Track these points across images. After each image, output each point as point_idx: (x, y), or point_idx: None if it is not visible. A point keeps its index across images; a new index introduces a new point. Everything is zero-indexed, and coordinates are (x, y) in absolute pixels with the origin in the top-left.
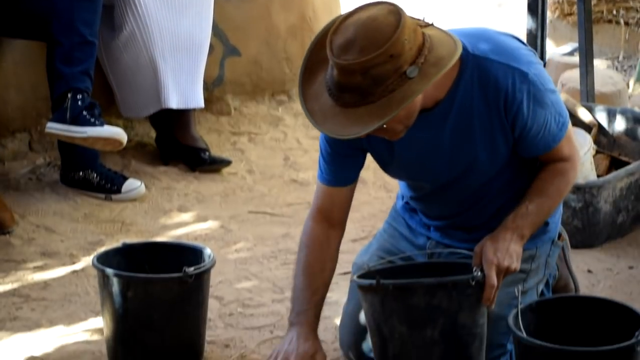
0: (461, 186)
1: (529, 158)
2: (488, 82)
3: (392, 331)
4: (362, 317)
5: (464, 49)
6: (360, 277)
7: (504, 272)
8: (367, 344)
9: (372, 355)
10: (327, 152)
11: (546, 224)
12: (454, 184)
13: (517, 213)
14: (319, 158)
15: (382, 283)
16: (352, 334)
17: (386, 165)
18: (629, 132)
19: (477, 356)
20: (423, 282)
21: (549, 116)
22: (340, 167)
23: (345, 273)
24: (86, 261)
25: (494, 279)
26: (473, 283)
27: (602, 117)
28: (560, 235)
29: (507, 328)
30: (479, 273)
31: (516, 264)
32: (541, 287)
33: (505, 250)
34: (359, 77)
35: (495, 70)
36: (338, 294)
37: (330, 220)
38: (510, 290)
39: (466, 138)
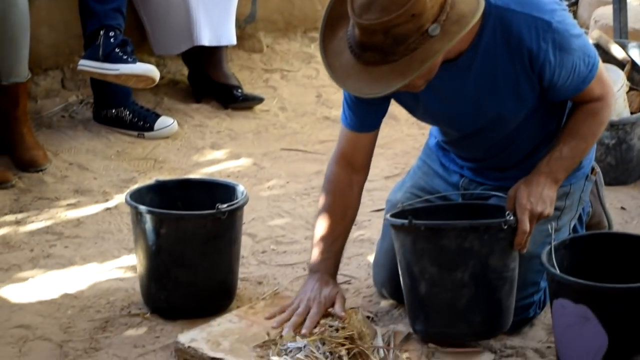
0: (489, 133)
1: (558, 102)
2: (511, 35)
3: (423, 272)
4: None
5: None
6: (393, 215)
7: (536, 218)
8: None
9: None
10: (351, 99)
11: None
12: (482, 131)
13: (551, 157)
14: (343, 103)
15: (414, 223)
16: (386, 271)
17: (413, 112)
18: None
19: (507, 300)
20: (455, 224)
21: (577, 60)
22: (364, 113)
23: (378, 210)
24: (119, 198)
25: (526, 224)
26: (505, 227)
27: (635, 54)
28: (593, 170)
29: (541, 266)
30: (512, 217)
31: (549, 209)
32: (574, 223)
33: (538, 195)
34: (381, 37)
35: (517, 22)
36: (371, 231)
37: (353, 165)
38: (544, 228)
39: (491, 88)
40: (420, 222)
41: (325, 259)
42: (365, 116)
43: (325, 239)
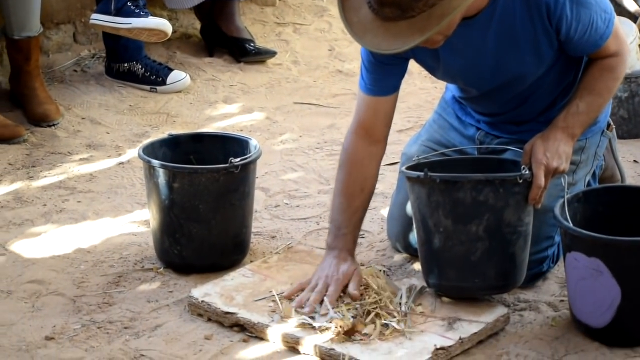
0: (508, 90)
1: (575, 56)
2: None
3: (437, 225)
4: (410, 208)
5: None
6: (409, 168)
7: (552, 173)
8: (415, 236)
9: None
10: (369, 61)
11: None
12: (501, 88)
13: (568, 112)
14: (361, 67)
15: (430, 176)
16: (400, 225)
17: (433, 72)
18: None
19: (521, 255)
20: (470, 178)
21: (594, 15)
22: (384, 75)
23: (392, 164)
24: (132, 153)
25: (542, 179)
26: (521, 181)
27: None
28: (609, 126)
29: (555, 220)
30: (527, 172)
31: (565, 165)
32: (588, 178)
33: (555, 151)
34: None
35: None
36: (384, 185)
37: (372, 136)
38: (559, 182)
39: (510, 44)
40: (436, 174)
41: (343, 235)
42: (384, 78)
43: (343, 213)
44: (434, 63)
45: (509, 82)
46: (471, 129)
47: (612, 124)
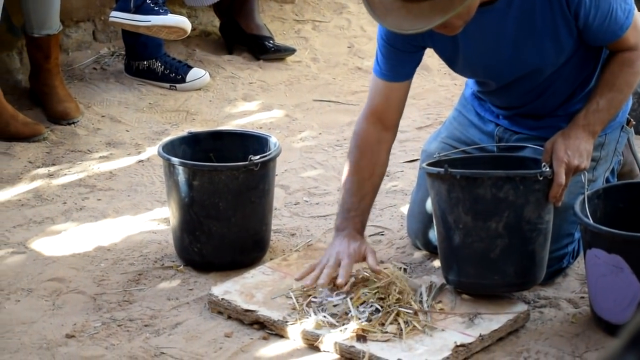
0: (527, 81)
1: (594, 47)
2: None
3: (457, 221)
4: (430, 205)
5: None
6: (429, 165)
7: (573, 171)
8: (434, 233)
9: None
10: (385, 46)
11: None
12: (520, 80)
13: (588, 109)
14: (377, 52)
15: (450, 171)
16: (420, 222)
17: (452, 64)
18: None
19: (541, 252)
20: (491, 174)
21: (614, 4)
22: (398, 61)
23: (411, 161)
24: (151, 151)
25: (562, 177)
26: (541, 178)
27: None
28: (628, 121)
29: (575, 216)
30: (548, 169)
31: (586, 163)
32: (607, 174)
33: (576, 149)
34: None
35: None
36: (403, 182)
37: (383, 122)
38: (579, 179)
39: (529, 32)
40: (456, 170)
41: (352, 217)
42: (399, 64)
43: (352, 196)
44: (452, 53)
45: (528, 74)
46: (490, 125)
47: (631, 120)
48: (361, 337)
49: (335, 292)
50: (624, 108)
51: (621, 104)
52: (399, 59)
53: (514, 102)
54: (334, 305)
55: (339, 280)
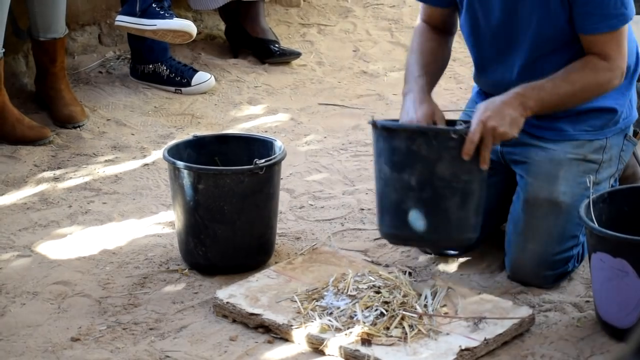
0: (519, 51)
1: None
2: None
3: (380, 170)
4: None
5: None
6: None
7: (491, 132)
8: None
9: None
10: None
11: (614, 111)
12: (511, 47)
13: (532, 84)
14: None
15: (374, 121)
16: None
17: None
18: None
19: (457, 212)
20: (406, 126)
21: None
22: None
23: None
24: (157, 154)
25: (475, 134)
26: (455, 136)
27: None
28: (636, 134)
29: (580, 220)
30: (463, 127)
31: (508, 129)
32: (613, 181)
33: (498, 111)
34: None
35: None
36: None
37: (437, 27)
38: (583, 180)
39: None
40: (379, 120)
41: (417, 78)
42: None
43: (416, 64)
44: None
45: (521, 40)
46: None
47: (638, 130)
48: (366, 341)
49: (340, 297)
50: (627, 111)
51: (567, 97)
52: None
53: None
54: (339, 309)
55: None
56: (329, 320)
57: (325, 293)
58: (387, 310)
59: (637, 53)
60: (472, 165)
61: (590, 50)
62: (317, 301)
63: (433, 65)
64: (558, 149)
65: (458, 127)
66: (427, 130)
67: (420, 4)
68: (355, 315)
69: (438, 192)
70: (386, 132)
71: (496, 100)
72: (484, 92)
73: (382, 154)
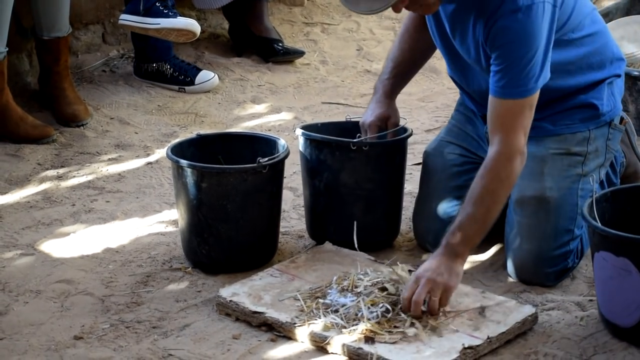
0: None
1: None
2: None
3: (303, 177)
4: (435, 202)
5: None
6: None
7: (432, 286)
8: (443, 230)
9: None
10: None
11: (593, 106)
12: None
13: (453, 228)
14: None
15: (300, 132)
16: (425, 220)
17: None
18: None
19: (363, 217)
20: (313, 137)
21: (518, 65)
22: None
23: (418, 164)
24: (160, 153)
25: (407, 291)
26: (354, 148)
27: None
28: (622, 119)
29: (572, 213)
30: (361, 139)
31: (450, 280)
32: (604, 171)
33: (434, 270)
34: None
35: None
36: (412, 185)
37: (422, 22)
38: (572, 174)
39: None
40: (303, 131)
41: (385, 79)
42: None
43: (390, 61)
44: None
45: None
46: (480, 124)
47: (625, 117)
48: (369, 339)
49: (345, 294)
50: (605, 103)
51: (490, 217)
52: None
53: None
54: (344, 307)
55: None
56: (333, 318)
57: (329, 291)
58: (393, 309)
59: (612, 49)
60: (372, 175)
61: (493, 120)
62: (321, 299)
63: (406, 65)
64: (540, 145)
65: (356, 140)
66: (329, 141)
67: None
68: (360, 311)
69: (343, 198)
70: (304, 141)
71: (429, 263)
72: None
73: (302, 161)
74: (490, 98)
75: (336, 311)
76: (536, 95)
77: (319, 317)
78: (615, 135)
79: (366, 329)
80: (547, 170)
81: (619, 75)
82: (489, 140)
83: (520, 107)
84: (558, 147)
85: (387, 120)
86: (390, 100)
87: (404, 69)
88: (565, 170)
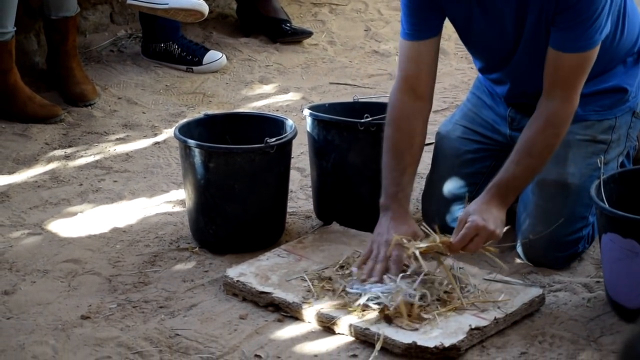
0: (524, 57)
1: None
2: None
3: (310, 157)
4: (446, 186)
5: None
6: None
7: (482, 231)
8: (450, 215)
9: (454, 225)
10: (407, 6)
11: (624, 91)
12: (520, 55)
13: (502, 180)
14: (402, 15)
15: (311, 113)
16: (435, 204)
17: (466, 36)
18: None
19: (372, 197)
20: (321, 117)
21: (587, 20)
22: (422, 19)
23: (427, 144)
24: (168, 133)
25: (463, 238)
26: (361, 128)
27: None
28: None
29: (589, 200)
30: (369, 119)
31: (493, 227)
32: (622, 159)
33: (486, 213)
34: None
35: None
36: (420, 165)
37: (417, 90)
38: (592, 161)
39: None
40: (313, 112)
41: (395, 193)
42: (422, 21)
43: (392, 171)
44: (466, 24)
45: (526, 46)
46: (502, 106)
47: None
48: (388, 318)
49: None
50: (635, 90)
51: (539, 169)
52: (421, 17)
53: (520, 88)
54: (378, 297)
55: (393, 272)
56: (371, 297)
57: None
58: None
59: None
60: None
61: (554, 75)
62: (354, 287)
63: (410, 168)
64: (567, 131)
65: (364, 121)
66: (336, 121)
67: (399, 56)
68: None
69: (351, 179)
70: (312, 123)
71: (479, 203)
72: (485, 68)
73: (310, 142)
74: (552, 52)
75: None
76: (597, 49)
77: (358, 299)
78: (637, 125)
79: (386, 311)
80: (571, 156)
81: None
82: (532, 109)
83: (584, 60)
84: (584, 133)
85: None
86: (408, 215)
87: (412, 170)
88: (588, 158)
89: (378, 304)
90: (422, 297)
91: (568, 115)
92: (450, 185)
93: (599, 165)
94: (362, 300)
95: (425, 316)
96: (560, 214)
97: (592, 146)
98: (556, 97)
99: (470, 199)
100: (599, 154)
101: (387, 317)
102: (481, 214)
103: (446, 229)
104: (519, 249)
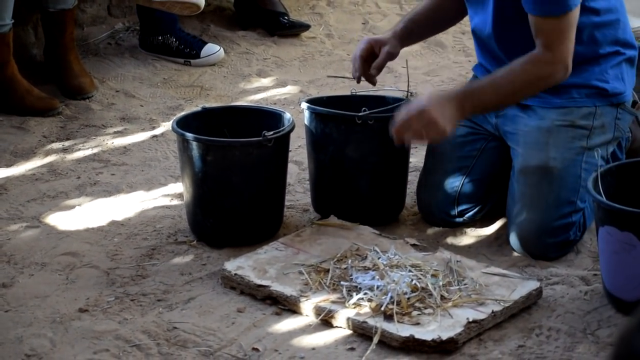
0: (513, 28)
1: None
2: None
3: (308, 150)
4: (438, 173)
5: None
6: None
7: (425, 117)
8: (446, 199)
9: (451, 211)
10: None
11: (599, 87)
12: (509, 24)
13: (474, 86)
14: None
15: (307, 106)
16: (429, 192)
17: None
18: None
19: (368, 191)
20: (318, 110)
21: None
22: None
23: None
24: (165, 126)
25: (401, 115)
26: (359, 122)
27: None
28: (635, 104)
29: (575, 185)
30: (366, 112)
31: (441, 120)
32: (611, 149)
33: (438, 103)
34: None
35: None
36: (417, 159)
37: None
38: (574, 146)
39: None
40: (310, 105)
41: (397, 23)
42: None
43: (408, 13)
44: None
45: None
46: None
47: (638, 101)
48: (389, 316)
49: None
50: (617, 85)
51: (510, 97)
52: None
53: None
54: (371, 289)
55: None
56: (365, 294)
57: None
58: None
59: (624, 30)
60: (380, 149)
61: (536, 35)
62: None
63: (424, 20)
64: (546, 117)
65: (361, 114)
66: (335, 115)
67: None
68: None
69: (349, 172)
70: (309, 115)
71: (439, 94)
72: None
73: (308, 134)
74: (531, 18)
75: (369, 289)
76: (577, 14)
77: (352, 297)
78: (626, 117)
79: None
80: (551, 141)
81: (630, 60)
82: None
83: (561, 23)
84: (564, 119)
85: (382, 46)
86: (389, 36)
87: (420, 19)
88: (569, 142)
89: (370, 300)
90: (417, 290)
91: (549, 62)
92: (444, 171)
93: (596, 157)
94: (354, 300)
95: (423, 310)
96: (546, 198)
97: (572, 131)
98: (537, 46)
99: (464, 185)
100: (580, 139)
101: (383, 313)
102: (433, 102)
103: (442, 217)
104: (512, 240)
